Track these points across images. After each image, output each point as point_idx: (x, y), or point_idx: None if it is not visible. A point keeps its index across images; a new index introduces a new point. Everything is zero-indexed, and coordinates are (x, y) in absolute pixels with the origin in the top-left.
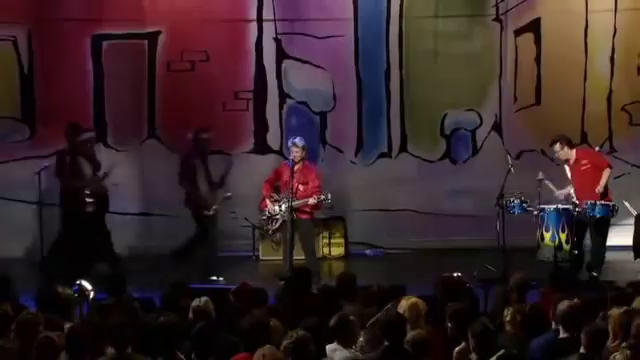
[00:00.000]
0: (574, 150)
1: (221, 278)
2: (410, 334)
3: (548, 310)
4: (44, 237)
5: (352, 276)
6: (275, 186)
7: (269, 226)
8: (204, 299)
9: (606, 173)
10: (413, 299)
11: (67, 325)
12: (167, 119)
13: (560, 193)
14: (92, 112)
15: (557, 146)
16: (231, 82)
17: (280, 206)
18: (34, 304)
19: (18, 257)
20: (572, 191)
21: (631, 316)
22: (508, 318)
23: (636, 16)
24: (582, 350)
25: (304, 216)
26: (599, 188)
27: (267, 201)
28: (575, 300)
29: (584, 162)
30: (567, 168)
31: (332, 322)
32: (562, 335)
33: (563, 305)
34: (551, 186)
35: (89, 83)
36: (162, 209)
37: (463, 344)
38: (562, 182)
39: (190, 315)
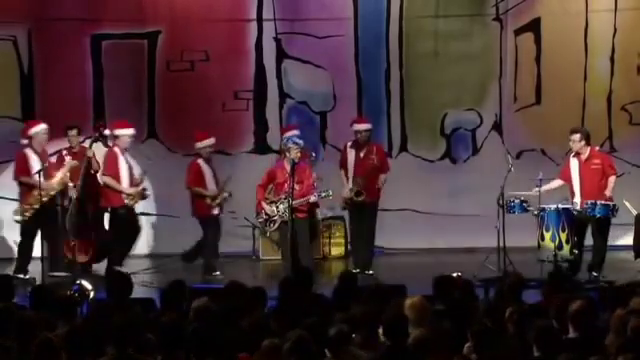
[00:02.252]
0: (589, 147)
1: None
2: (413, 334)
3: (548, 310)
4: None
5: (353, 275)
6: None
7: (267, 228)
8: (204, 299)
9: (612, 179)
10: (416, 298)
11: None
12: (167, 119)
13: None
14: (92, 112)
15: (577, 136)
16: (231, 82)
17: (277, 207)
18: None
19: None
20: (576, 189)
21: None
22: (508, 317)
23: (636, 16)
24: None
25: (301, 215)
26: (608, 192)
27: (263, 203)
28: (584, 300)
29: (596, 161)
30: (574, 163)
31: (331, 333)
32: (572, 335)
33: (575, 305)
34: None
35: (89, 83)
36: (162, 209)
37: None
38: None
39: (190, 315)
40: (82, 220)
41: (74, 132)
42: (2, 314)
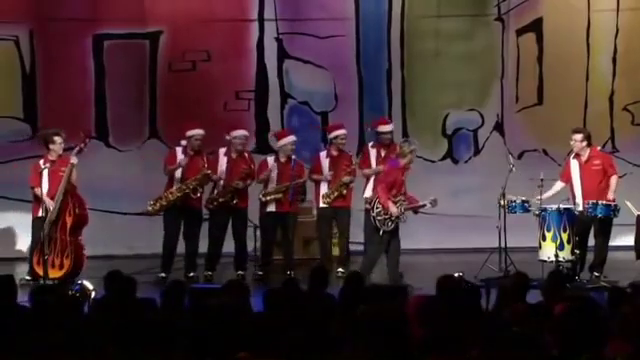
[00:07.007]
0: (590, 148)
1: None
2: (417, 334)
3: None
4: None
5: (361, 276)
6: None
7: (385, 227)
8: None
9: (614, 180)
10: (420, 298)
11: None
12: (168, 119)
13: (546, 196)
14: (93, 112)
15: (580, 136)
16: (232, 82)
17: (399, 207)
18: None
19: (18, 257)
20: (578, 191)
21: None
22: (512, 317)
23: (638, 16)
24: None
25: None
26: (610, 195)
27: (389, 203)
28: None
29: (596, 162)
30: (574, 165)
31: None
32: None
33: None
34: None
35: (90, 83)
36: None
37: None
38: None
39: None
40: (56, 233)
41: (60, 139)
42: (2, 313)
